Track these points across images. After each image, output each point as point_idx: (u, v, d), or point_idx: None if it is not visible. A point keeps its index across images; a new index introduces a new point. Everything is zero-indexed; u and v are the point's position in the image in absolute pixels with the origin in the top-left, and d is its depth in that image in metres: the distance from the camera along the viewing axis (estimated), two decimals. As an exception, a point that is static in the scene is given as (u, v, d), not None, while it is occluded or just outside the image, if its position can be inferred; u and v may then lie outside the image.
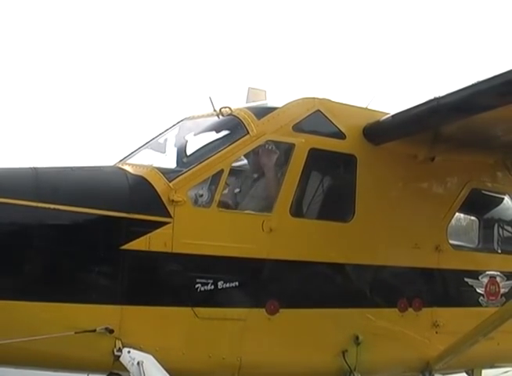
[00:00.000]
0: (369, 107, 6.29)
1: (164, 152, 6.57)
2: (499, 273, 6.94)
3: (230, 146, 5.58)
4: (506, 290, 6.95)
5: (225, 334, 5.39)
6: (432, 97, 5.56)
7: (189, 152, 6.34)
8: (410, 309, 6.25)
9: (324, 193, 6.11)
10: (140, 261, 5.11)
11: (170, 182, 5.29)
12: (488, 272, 6.87)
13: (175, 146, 6.56)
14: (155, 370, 4.95)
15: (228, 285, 5.34)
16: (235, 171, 6.07)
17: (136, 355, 4.94)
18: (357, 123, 6.07)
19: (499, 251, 7.29)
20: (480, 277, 6.82)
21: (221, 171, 5.48)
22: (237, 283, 5.38)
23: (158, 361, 5.00)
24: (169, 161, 6.38)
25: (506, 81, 5.06)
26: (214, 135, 6.12)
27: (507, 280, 6.97)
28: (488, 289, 6.84)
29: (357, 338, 5.88)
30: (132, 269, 5.09)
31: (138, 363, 4.88)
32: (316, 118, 5.91)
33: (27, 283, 4.83)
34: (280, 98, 6.22)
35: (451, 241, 6.65)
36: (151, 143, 6.65)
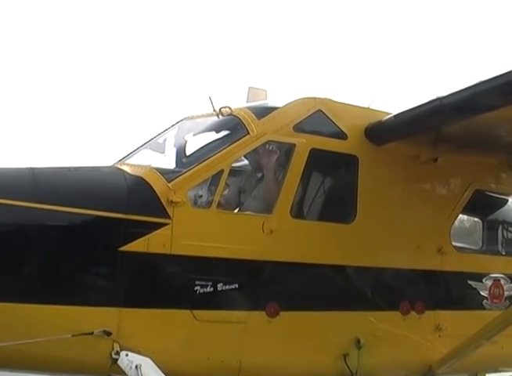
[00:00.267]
0: (371, 107, 6.31)
1: (163, 152, 6.57)
2: (503, 276, 6.96)
3: (230, 147, 5.60)
4: (511, 293, 6.98)
5: (225, 337, 5.40)
6: (435, 97, 5.58)
7: (188, 152, 6.34)
8: (413, 312, 6.27)
9: (325, 194, 6.12)
10: (139, 262, 5.12)
11: (169, 182, 5.30)
12: (491, 275, 6.89)
13: (174, 146, 6.56)
14: (153, 373, 4.96)
15: (227, 287, 5.35)
16: (235, 172, 6.09)
17: (134, 358, 4.96)
18: (359, 123, 6.08)
19: (503, 253, 7.32)
20: (484, 280, 6.84)
21: (221, 171, 5.50)
22: (237, 286, 5.39)
23: (156, 364, 5.01)
24: (168, 162, 6.38)
25: (509, 80, 5.08)
26: (213, 136, 6.13)
27: (511, 282, 7.00)
28: (491, 292, 6.86)
29: (358, 341, 5.89)
30: (131, 270, 5.10)
31: (136, 367, 4.89)
32: (317, 118, 5.93)
33: (23, 284, 4.85)
34: (281, 97, 6.23)
35: (454, 243, 6.67)
36: (150, 143, 6.66)
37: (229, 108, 5.86)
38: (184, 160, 6.25)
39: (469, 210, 6.99)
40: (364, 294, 6.05)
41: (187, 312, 5.25)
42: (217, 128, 6.12)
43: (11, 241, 4.88)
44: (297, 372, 5.76)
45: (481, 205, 7.13)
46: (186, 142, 6.47)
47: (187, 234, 5.28)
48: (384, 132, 6.08)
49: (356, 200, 5.99)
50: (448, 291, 6.61)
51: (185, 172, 5.47)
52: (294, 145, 5.75)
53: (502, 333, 6.13)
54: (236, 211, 6.02)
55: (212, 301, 5.33)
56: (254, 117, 5.77)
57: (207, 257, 5.33)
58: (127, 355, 4.96)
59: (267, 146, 5.79)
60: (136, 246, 5.07)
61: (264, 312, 5.53)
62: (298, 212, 5.89)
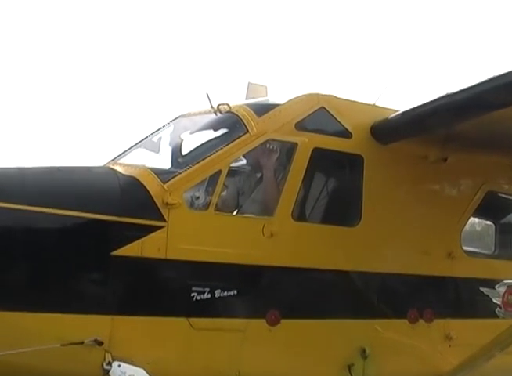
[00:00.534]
0: (376, 104, 6.31)
1: (158, 151, 6.60)
2: (517, 282, 6.96)
3: (228, 146, 5.59)
4: (525, 300, 6.98)
5: (223, 346, 5.39)
6: (444, 93, 5.56)
7: (184, 151, 6.34)
8: (421, 321, 6.26)
9: (329, 196, 6.13)
10: (132, 267, 5.12)
11: (164, 183, 5.30)
12: (505, 281, 6.88)
13: (170, 145, 6.58)
14: (147, 384, 4.96)
15: (226, 294, 5.34)
16: (233, 173, 6.09)
17: (127, 369, 4.94)
18: (364, 121, 6.08)
19: (517, 258, 7.31)
20: (496, 286, 6.83)
21: (219, 172, 5.49)
22: (236, 292, 5.38)
23: (150, 375, 5.00)
24: (163, 161, 6.41)
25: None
26: (211, 134, 6.13)
27: (526, 289, 6.99)
28: (505, 299, 6.85)
29: (364, 350, 5.88)
30: (123, 276, 5.10)
31: (129, 378, 4.89)
32: (320, 116, 5.93)
33: (9, 291, 4.82)
34: (282, 94, 6.25)
35: (465, 247, 6.66)
36: (144, 142, 6.69)
37: (228, 105, 5.87)
38: (180, 159, 6.25)
39: (480, 212, 6.99)
40: (369, 301, 6.04)
41: (183, 320, 5.24)
42: (214, 126, 6.12)
43: None
44: (299, 383, 5.76)
45: (494, 207, 7.13)
46: (182, 140, 6.48)
47: (183, 238, 5.27)
48: (391, 131, 6.08)
49: (361, 202, 5.98)
50: (458, 298, 6.59)
51: (181, 173, 5.46)
52: (296, 144, 5.75)
53: (517, 343, 6.12)
54: (234, 213, 6.01)
55: (209, 309, 5.31)
56: (253, 114, 5.77)
57: (204, 262, 5.32)
58: (119, 365, 4.95)
59: (267, 145, 5.78)
60: (129, 250, 5.06)
61: (264, 320, 5.52)
62: (300, 215, 5.89)
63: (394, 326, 6.14)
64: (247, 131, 5.67)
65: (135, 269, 5.14)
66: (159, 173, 5.48)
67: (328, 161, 6.07)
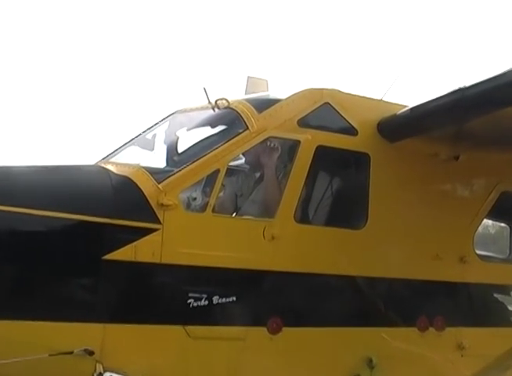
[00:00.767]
0: (384, 99, 6.29)
1: (153, 149, 6.61)
2: (533, 288, 6.94)
3: (227, 144, 5.57)
4: (543, 307, 6.95)
5: (221, 355, 5.37)
6: (457, 88, 5.55)
7: (180, 149, 6.36)
8: (431, 329, 6.25)
9: (333, 197, 6.12)
10: (125, 273, 5.10)
11: (159, 183, 5.28)
12: (521, 287, 6.88)
13: (165, 142, 6.57)
14: (140, 396, 4.95)
15: (224, 300, 5.32)
16: (232, 172, 6.12)
17: (119, 380, 4.94)
18: (370, 117, 6.08)
19: (534, 263, 7.30)
20: None
21: (217, 171, 5.47)
22: (235, 299, 5.37)
23: (144, 387, 5.00)
24: (158, 160, 6.42)
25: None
26: (208, 131, 6.13)
27: (543, 296, 6.97)
28: (520, 306, 6.85)
29: (370, 360, 5.86)
30: (116, 282, 5.08)
31: (121, 390, 4.88)
32: (324, 112, 5.92)
33: None
34: (284, 89, 6.27)
35: (478, 251, 6.67)
36: (138, 139, 6.69)
37: (226, 100, 5.85)
38: (176, 158, 6.27)
39: (495, 214, 7.00)
40: (377, 308, 6.02)
41: (179, 328, 5.22)
42: (212, 123, 6.12)
43: None
44: (302, 395, 5.73)
45: (509, 209, 7.13)
46: (178, 138, 6.49)
47: (179, 241, 5.25)
48: (399, 127, 6.06)
49: (367, 203, 5.97)
50: (471, 305, 6.57)
51: (177, 172, 5.44)
52: (299, 141, 5.74)
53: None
54: (233, 215, 6.02)
55: (207, 316, 5.29)
56: (253, 110, 5.75)
57: (202, 266, 5.30)
58: (111, 376, 4.94)
59: (268, 142, 5.78)
60: (122, 254, 5.04)
61: (265, 328, 5.50)
62: (303, 216, 5.88)
63: (402, 334, 6.11)
64: (247, 128, 5.66)
65: (128, 274, 5.12)
66: (153, 172, 5.46)
67: (332, 160, 6.06)
